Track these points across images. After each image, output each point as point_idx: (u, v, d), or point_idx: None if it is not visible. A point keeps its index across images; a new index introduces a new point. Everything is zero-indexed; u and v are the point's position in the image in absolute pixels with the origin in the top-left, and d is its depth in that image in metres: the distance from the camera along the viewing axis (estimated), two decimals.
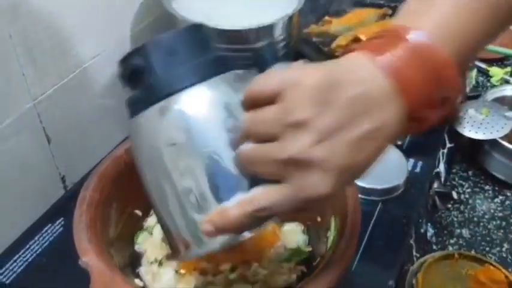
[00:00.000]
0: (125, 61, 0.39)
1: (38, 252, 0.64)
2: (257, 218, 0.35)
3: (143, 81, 0.38)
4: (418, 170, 0.75)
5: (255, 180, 0.35)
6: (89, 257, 0.44)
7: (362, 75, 0.34)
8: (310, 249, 0.57)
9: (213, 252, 0.38)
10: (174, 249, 0.40)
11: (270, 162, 0.34)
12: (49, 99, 0.65)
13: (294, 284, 0.53)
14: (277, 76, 0.35)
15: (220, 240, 0.36)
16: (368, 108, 0.33)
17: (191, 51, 0.38)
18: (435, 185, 0.76)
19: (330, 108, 0.32)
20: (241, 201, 0.35)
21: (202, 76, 0.37)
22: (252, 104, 0.35)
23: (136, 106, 0.39)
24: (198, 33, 0.40)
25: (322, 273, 0.44)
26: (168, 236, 0.40)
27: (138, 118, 0.39)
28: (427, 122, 0.36)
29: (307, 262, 0.56)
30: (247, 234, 0.36)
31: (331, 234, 0.52)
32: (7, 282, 0.61)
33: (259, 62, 0.37)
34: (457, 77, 0.35)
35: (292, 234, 0.58)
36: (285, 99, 0.33)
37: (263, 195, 0.34)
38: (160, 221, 0.41)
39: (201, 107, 0.37)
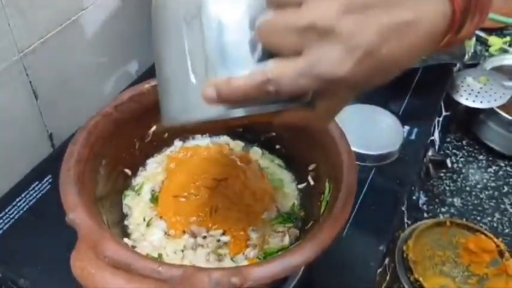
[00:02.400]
0: None
1: (24, 209, 0.63)
2: (263, 93, 0.32)
3: None
4: (413, 137, 0.75)
5: (271, 56, 0.33)
6: (77, 213, 0.42)
7: None
8: (303, 213, 0.56)
9: (203, 123, 0.35)
10: (165, 112, 0.38)
11: (290, 29, 0.31)
12: (36, 53, 0.63)
13: (287, 247, 0.52)
14: None
15: (214, 111, 0.34)
16: None
17: None
18: (429, 152, 0.75)
19: None
20: (251, 72, 0.32)
21: None
22: None
23: None
24: None
25: (316, 236, 0.43)
26: (164, 97, 0.38)
27: None
28: (462, 31, 0.33)
29: (300, 226, 0.55)
30: (244, 111, 0.34)
31: (325, 199, 0.51)
32: None
33: None
34: None
35: (286, 199, 0.57)
36: None
37: (275, 67, 0.31)
38: (161, 83, 0.39)
39: None
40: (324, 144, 0.53)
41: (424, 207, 0.78)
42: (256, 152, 0.62)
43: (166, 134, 0.61)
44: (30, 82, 0.63)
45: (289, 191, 0.58)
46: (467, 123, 0.91)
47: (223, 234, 0.54)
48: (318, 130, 0.54)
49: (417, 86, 0.84)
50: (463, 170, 0.85)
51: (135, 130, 0.57)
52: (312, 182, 0.56)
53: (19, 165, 0.66)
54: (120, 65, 0.80)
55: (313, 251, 0.42)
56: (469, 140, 0.90)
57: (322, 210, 0.50)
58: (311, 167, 0.57)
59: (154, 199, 0.57)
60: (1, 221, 0.61)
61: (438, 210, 0.78)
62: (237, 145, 0.62)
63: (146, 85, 0.57)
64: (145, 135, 0.59)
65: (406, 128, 0.75)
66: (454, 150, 0.89)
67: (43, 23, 0.63)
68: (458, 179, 0.84)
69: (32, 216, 0.62)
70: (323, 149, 0.53)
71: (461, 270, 0.69)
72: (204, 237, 0.54)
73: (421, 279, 0.62)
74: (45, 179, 0.66)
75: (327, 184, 0.52)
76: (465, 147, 0.89)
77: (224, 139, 0.63)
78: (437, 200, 0.80)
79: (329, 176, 0.52)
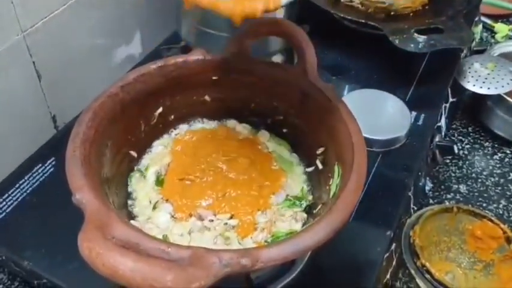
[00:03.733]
0: None
1: (28, 191, 0.62)
2: None
3: None
4: (420, 122, 0.74)
5: None
6: (83, 194, 0.41)
7: None
8: (311, 197, 0.56)
9: None
10: None
11: None
12: (39, 33, 0.62)
13: (295, 231, 0.51)
14: None
15: None
16: None
17: None
18: (436, 138, 0.74)
19: None
20: None
21: None
22: None
23: None
24: None
25: (327, 218, 0.42)
26: None
27: None
28: None
29: (308, 210, 0.54)
30: None
31: (335, 182, 0.50)
32: None
33: None
34: None
35: (295, 182, 0.56)
36: None
37: None
38: None
39: None
40: (333, 126, 0.52)
41: (430, 193, 0.77)
42: (263, 135, 0.61)
43: (172, 117, 0.60)
44: (33, 62, 0.62)
45: (298, 175, 0.57)
46: (474, 110, 0.90)
47: (231, 217, 0.53)
48: (327, 112, 0.53)
49: (424, 71, 0.83)
50: (469, 157, 0.85)
51: (140, 112, 0.57)
52: (320, 166, 0.55)
53: (22, 147, 0.65)
54: (123, 47, 0.79)
55: (325, 233, 0.41)
56: (475, 127, 0.89)
57: (331, 194, 0.49)
58: (319, 151, 0.56)
59: (159, 182, 0.56)
60: (4, 203, 0.60)
61: (444, 197, 0.78)
62: (244, 128, 0.61)
63: (152, 65, 0.56)
64: (151, 117, 0.58)
65: (413, 113, 0.74)
66: (460, 137, 0.88)
67: (45, 2, 0.61)
68: (464, 166, 0.83)
69: (35, 198, 0.61)
70: (332, 132, 0.53)
71: (467, 257, 0.69)
72: (211, 221, 0.53)
73: (427, 264, 0.61)
74: (49, 162, 0.65)
75: (336, 167, 0.51)
76: (471, 134, 0.89)
77: (231, 122, 0.62)
78: (442, 187, 0.79)
79: (338, 159, 0.51)
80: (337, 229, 0.42)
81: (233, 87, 0.60)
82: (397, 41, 0.75)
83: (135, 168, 0.58)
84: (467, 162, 0.84)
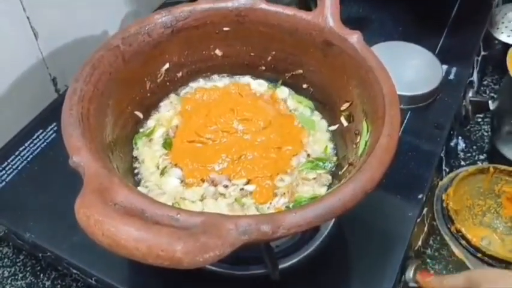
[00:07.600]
0: None
1: (28, 159, 0.58)
2: None
3: None
4: (452, 76, 0.68)
5: None
6: (81, 156, 0.37)
7: None
8: (335, 158, 0.50)
9: None
10: None
11: None
12: None
13: (319, 196, 0.46)
14: None
15: None
16: None
17: None
18: (469, 94, 0.68)
19: None
20: None
21: None
22: None
23: None
24: None
25: (357, 178, 0.37)
26: None
27: None
28: None
29: (334, 173, 0.49)
30: None
31: (363, 139, 0.45)
32: None
33: None
34: None
35: (318, 142, 0.51)
36: None
37: None
38: None
39: None
40: (360, 78, 0.47)
41: (462, 154, 0.72)
42: (282, 92, 0.55)
43: (180, 74, 0.55)
44: (28, 18, 0.57)
45: (320, 134, 0.52)
46: (505, 65, 0.83)
47: (248, 182, 0.48)
48: (354, 62, 0.47)
49: (454, 22, 0.76)
50: None
51: (145, 68, 0.51)
52: (345, 123, 0.50)
53: (21, 113, 0.61)
54: (128, 3, 0.73)
55: (354, 194, 0.36)
56: None
57: (360, 152, 0.44)
58: (344, 106, 0.50)
59: (167, 145, 0.52)
60: (3, 172, 0.56)
61: (476, 158, 0.72)
62: (261, 85, 0.56)
63: (155, 15, 0.50)
64: (157, 74, 0.53)
65: (444, 66, 0.68)
66: (492, 94, 0.81)
67: None
68: None
69: (37, 166, 0.57)
70: (359, 84, 0.47)
71: (504, 221, 0.63)
72: (226, 186, 0.48)
73: (463, 229, 0.56)
74: (50, 127, 0.61)
75: (364, 123, 0.46)
76: None
77: (245, 79, 0.57)
78: (474, 147, 0.73)
79: (366, 113, 0.46)
80: (370, 189, 0.37)
81: (246, 39, 0.54)
82: None
83: (141, 130, 0.53)
84: None
